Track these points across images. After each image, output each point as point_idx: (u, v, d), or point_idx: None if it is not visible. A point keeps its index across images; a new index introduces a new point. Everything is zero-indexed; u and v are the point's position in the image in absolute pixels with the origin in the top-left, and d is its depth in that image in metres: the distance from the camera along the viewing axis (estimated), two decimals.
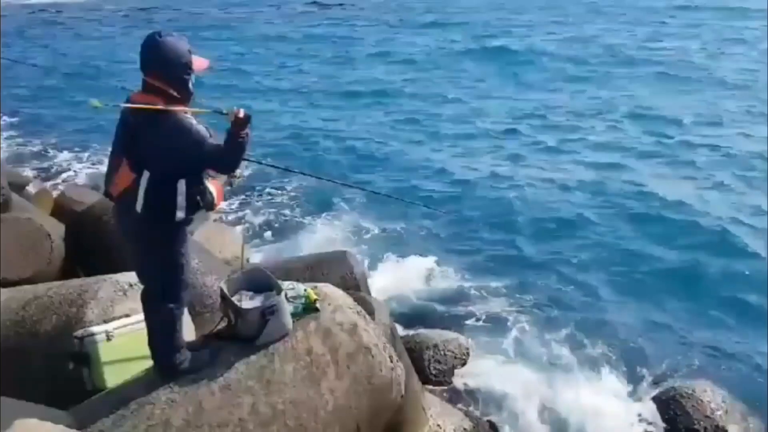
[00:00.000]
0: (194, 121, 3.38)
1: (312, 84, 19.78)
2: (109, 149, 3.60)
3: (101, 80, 16.91)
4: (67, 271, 6.18)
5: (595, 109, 15.66)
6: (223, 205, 3.60)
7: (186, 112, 3.39)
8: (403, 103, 17.09)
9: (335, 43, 26.36)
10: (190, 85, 3.48)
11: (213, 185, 3.56)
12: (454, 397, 5.99)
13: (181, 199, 3.40)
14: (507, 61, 21.12)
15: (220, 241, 7.39)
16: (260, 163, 6.13)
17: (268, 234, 9.79)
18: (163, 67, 3.38)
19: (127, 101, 3.44)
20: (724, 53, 21.20)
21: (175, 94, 3.39)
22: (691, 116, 14.62)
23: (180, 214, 3.42)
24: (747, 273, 8.24)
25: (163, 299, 3.56)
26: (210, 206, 3.56)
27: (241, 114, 3.34)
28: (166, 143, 3.31)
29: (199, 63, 3.50)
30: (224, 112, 3.40)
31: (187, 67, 3.43)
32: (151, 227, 3.44)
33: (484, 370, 6.43)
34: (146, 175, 3.34)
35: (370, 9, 36.37)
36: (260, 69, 22.19)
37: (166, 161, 3.35)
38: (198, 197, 3.48)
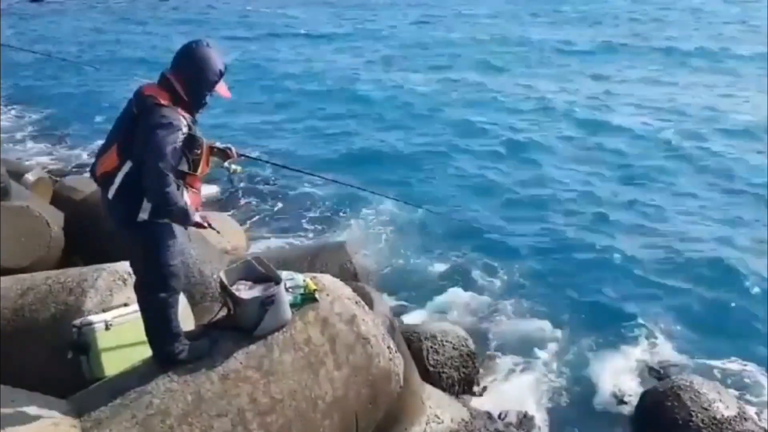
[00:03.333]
0: (183, 124, 3.33)
1: None
2: None
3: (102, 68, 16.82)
4: (65, 260, 6.17)
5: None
6: (194, 219, 3.50)
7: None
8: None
9: None
10: (205, 100, 3.51)
11: (190, 196, 3.49)
12: (453, 387, 5.98)
13: (146, 201, 3.36)
14: None
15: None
16: (261, 161, 6.12)
17: (268, 227, 9.78)
18: (190, 73, 3.40)
19: (137, 92, 3.46)
20: None
21: (183, 96, 3.40)
22: None
23: (143, 216, 3.38)
24: (744, 264, 8.25)
25: (153, 289, 3.54)
26: (178, 218, 3.44)
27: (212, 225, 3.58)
28: (146, 137, 3.29)
29: (222, 90, 3.52)
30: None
31: (212, 85, 3.46)
32: (122, 216, 3.44)
33: (482, 361, 6.44)
34: (128, 165, 3.33)
35: None
36: None
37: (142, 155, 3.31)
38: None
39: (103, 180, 3.42)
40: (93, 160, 3.59)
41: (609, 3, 31.28)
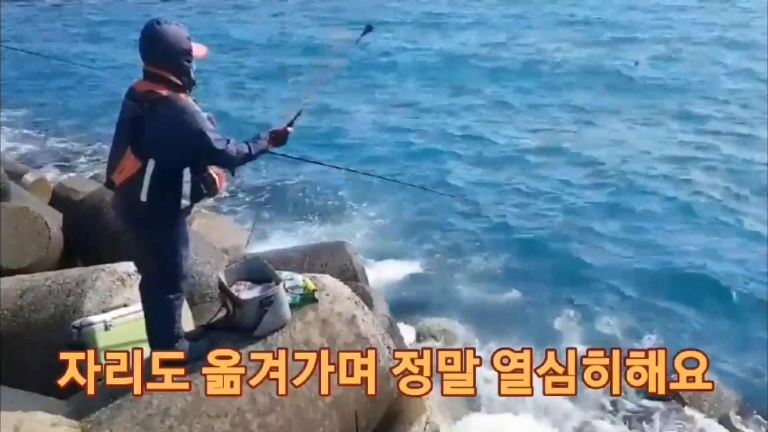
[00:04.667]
0: (198, 109, 3.38)
1: None
2: (110, 139, 3.59)
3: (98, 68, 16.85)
4: (65, 261, 6.16)
5: None
6: (223, 189, 3.75)
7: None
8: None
9: None
10: (192, 72, 3.47)
11: (215, 171, 3.59)
12: None
13: (186, 187, 3.41)
14: None
15: (218, 231, 7.39)
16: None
17: (267, 224, 9.77)
18: (165, 55, 3.37)
19: (130, 91, 3.45)
20: None
21: (177, 81, 3.39)
22: None
23: (185, 202, 3.44)
24: (744, 265, 8.25)
25: (162, 289, 3.56)
26: (213, 193, 3.61)
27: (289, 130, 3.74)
28: (172, 130, 3.30)
29: (198, 50, 3.49)
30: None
31: (188, 54, 3.42)
32: (156, 216, 3.44)
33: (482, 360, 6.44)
34: (152, 163, 3.32)
35: None
36: None
37: (171, 148, 3.34)
38: (202, 185, 3.51)
39: (128, 186, 3.41)
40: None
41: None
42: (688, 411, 5.61)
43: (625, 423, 5.78)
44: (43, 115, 15.96)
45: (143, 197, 3.35)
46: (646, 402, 5.95)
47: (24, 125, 15.18)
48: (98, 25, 26.14)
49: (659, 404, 5.81)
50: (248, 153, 3.55)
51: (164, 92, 3.32)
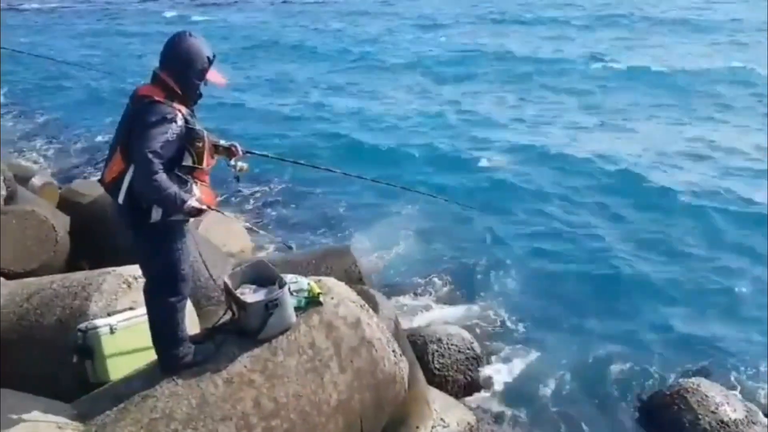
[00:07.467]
0: (177, 117, 3.29)
1: None
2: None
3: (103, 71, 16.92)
4: (71, 264, 6.18)
5: None
6: (212, 208, 3.55)
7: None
8: None
9: None
10: (198, 90, 3.47)
11: (201, 190, 3.48)
12: (459, 391, 5.97)
13: None
14: None
15: (223, 234, 7.38)
16: (268, 157, 6.13)
17: (272, 227, 9.78)
18: (178, 66, 3.38)
19: (133, 95, 3.44)
20: None
21: (179, 91, 3.38)
22: None
23: (155, 215, 3.35)
24: (744, 269, 8.22)
25: (163, 292, 3.55)
26: (173, 206, 3.32)
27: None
28: (139, 126, 3.25)
29: (215, 77, 3.49)
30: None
31: (201, 73, 3.42)
32: (134, 220, 3.42)
33: (488, 364, 6.42)
34: (133, 167, 3.30)
35: None
36: None
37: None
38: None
39: (112, 186, 3.41)
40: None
41: None
42: (688, 411, 5.56)
43: (629, 424, 5.75)
44: (52, 118, 16.03)
45: (120, 200, 3.35)
46: (646, 402, 5.93)
47: (31, 128, 15.25)
48: None
49: (663, 398, 5.77)
50: (165, 187, 3.20)
51: (159, 98, 3.30)
